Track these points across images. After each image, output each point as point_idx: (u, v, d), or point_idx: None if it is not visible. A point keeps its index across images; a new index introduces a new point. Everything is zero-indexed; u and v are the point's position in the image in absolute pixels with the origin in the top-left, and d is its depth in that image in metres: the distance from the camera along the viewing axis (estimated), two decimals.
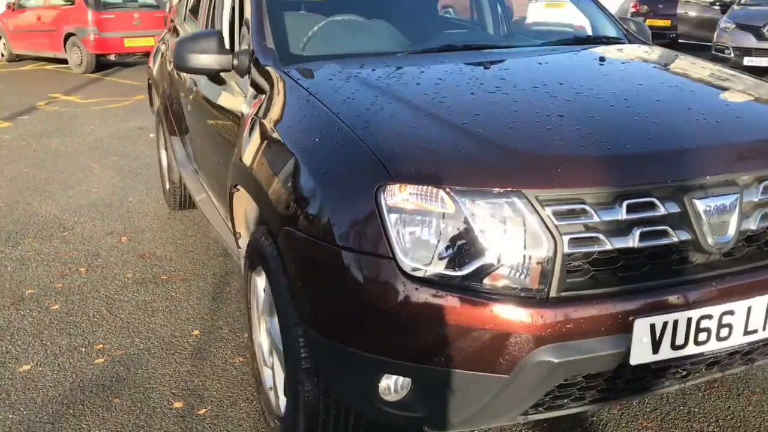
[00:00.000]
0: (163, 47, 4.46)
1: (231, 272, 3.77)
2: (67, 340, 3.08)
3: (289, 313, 1.93)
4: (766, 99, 2.21)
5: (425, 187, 1.66)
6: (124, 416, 2.52)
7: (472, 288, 1.64)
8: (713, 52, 11.91)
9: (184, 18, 4.12)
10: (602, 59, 2.56)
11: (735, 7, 12.60)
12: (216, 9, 3.37)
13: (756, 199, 1.80)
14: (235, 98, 2.62)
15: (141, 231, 4.45)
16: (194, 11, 4.00)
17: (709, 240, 1.74)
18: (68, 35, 12.44)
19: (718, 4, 13.86)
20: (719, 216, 1.74)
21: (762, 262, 1.81)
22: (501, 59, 2.61)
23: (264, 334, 2.36)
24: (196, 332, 3.13)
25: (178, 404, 2.59)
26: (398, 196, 1.67)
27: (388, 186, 1.67)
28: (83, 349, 3.00)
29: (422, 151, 1.75)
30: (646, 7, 16.12)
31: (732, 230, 1.76)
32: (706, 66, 2.62)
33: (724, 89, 2.31)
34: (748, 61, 11.49)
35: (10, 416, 2.53)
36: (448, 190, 1.65)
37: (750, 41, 11.60)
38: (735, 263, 1.78)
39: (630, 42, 2.92)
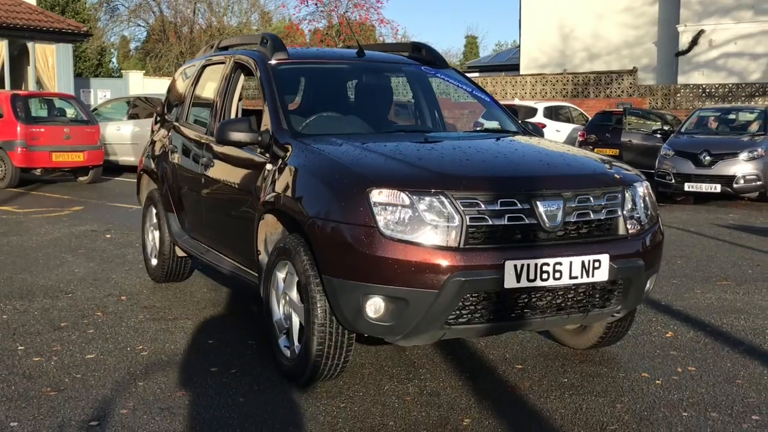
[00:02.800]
0: (162, 141, 6.64)
1: (222, 315, 5.78)
2: (113, 345, 5.02)
3: (310, 274, 4.02)
4: (586, 156, 4.60)
5: (393, 191, 3.84)
6: (178, 374, 4.48)
7: (419, 242, 3.79)
8: (655, 178, 14.42)
9: (186, 117, 6.35)
10: (498, 138, 4.93)
11: (674, 135, 15.60)
12: (225, 106, 5.61)
13: (573, 205, 4.05)
14: (258, 162, 4.78)
15: (136, 294, 6.43)
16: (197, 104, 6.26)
17: (547, 224, 3.95)
18: None
19: (659, 132, 16.88)
20: (551, 212, 3.97)
21: (578, 240, 4.04)
22: (435, 138, 4.95)
23: (281, 310, 4.41)
24: (212, 341, 5.11)
25: (214, 369, 4.56)
26: (379, 196, 3.84)
27: (373, 190, 3.85)
28: (128, 349, 4.94)
29: (391, 173, 3.98)
30: (594, 136, 19.07)
31: (559, 220, 3.98)
32: (561, 143, 5.03)
33: (564, 152, 4.67)
34: (688, 186, 14.12)
35: (96, 373, 4.45)
36: (406, 192, 3.83)
37: (689, 168, 14.28)
38: (562, 238, 4.01)
39: (524, 134, 5.29)
